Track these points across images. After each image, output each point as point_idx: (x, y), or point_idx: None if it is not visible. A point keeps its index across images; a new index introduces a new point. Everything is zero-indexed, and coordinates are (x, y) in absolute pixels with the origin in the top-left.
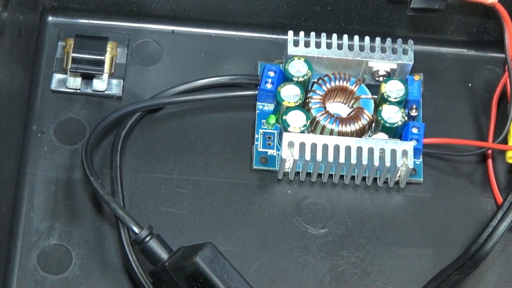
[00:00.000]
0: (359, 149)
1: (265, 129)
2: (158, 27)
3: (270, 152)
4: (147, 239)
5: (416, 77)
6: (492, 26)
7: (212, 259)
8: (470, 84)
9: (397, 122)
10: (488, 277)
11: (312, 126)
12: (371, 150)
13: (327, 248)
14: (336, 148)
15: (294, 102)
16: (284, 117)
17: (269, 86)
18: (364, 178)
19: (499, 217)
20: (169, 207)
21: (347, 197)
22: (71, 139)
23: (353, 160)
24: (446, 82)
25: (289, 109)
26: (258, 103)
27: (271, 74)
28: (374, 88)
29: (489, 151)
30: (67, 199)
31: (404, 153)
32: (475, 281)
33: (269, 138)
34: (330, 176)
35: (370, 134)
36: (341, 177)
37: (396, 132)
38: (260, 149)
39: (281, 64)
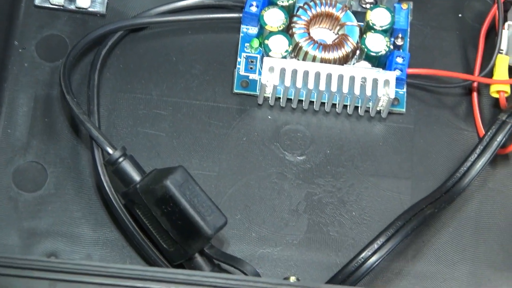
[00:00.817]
0: (340, 77)
1: (248, 52)
2: None
3: (252, 76)
4: (120, 160)
5: (404, 6)
6: None
7: (182, 183)
8: (460, 15)
9: (381, 51)
10: (465, 212)
11: (295, 51)
12: (352, 78)
13: (304, 176)
14: (317, 75)
15: (277, 27)
16: (266, 41)
17: (253, 9)
18: (346, 106)
19: (478, 152)
20: (147, 128)
21: (328, 125)
22: (52, 56)
23: (334, 88)
24: (436, 12)
25: (271, 33)
26: (242, 26)
27: None
28: (361, 15)
29: (475, 84)
30: (46, 116)
31: (386, 82)
32: (450, 215)
33: (252, 62)
34: (311, 102)
35: (354, 62)
36: (323, 104)
37: (380, 61)
38: (242, 73)
39: None
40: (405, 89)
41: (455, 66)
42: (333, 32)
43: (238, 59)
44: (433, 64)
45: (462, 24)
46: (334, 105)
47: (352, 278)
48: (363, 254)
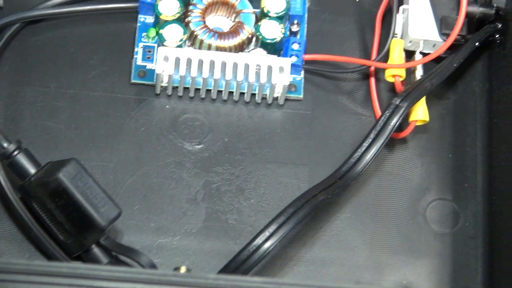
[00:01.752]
0: (235, 65)
1: (146, 42)
2: None
3: (150, 66)
4: (15, 153)
5: None
6: None
7: (75, 175)
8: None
9: (276, 38)
10: (363, 197)
11: (191, 40)
12: (247, 66)
13: (202, 165)
14: (212, 63)
15: (172, 16)
16: (161, 31)
17: None
18: (244, 94)
19: (372, 136)
20: (45, 120)
21: (225, 113)
22: None
23: (229, 76)
24: None
25: (166, 22)
26: (139, 16)
27: None
28: (257, 2)
29: (371, 69)
30: None
31: (281, 69)
32: (348, 200)
33: (149, 51)
34: (209, 91)
35: (250, 50)
36: (220, 92)
37: (276, 48)
38: (139, 63)
39: None
40: (302, 75)
41: (353, 51)
42: (230, 20)
43: (135, 49)
44: (331, 49)
45: (360, 8)
46: (232, 93)
47: (244, 265)
48: (255, 242)
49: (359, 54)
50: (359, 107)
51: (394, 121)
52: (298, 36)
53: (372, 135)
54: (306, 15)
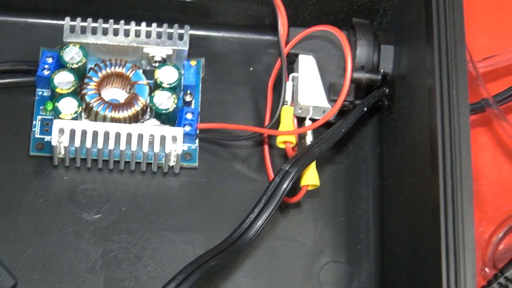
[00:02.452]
0: (129, 135)
1: (43, 115)
2: None
3: (48, 138)
4: None
5: (193, 63)
6: (270, 9)
7: None
8: (251, 68)
9: (168, 108)
10: (258, 261)
11: (87, 112)
12: (140, 136)
13: (100, 234)
14: (106, 134)
15: (67, 89)
16: (56, 104)
17: (46, 72)
18: (140, 164)
19: (263, 202)
20: None
21: (123, 182)
22: None
23: (123, 146)
24: (228, 66)
25: (61, 95)
26: (37, 89)
27: (49, 60)
28: (151, 73)
29: (265, 136)
30: None
31: (174, 138)
32: (243, 265)
33: (47, 124)
34: (106, 161)
35: (144, 120)
36: (117, 162)
37: (170, 118)
38: (38, 135)
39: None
40: (197, 144)
41: (247, 119)
42: (125, 91)
43: (34, 122)
44: (227, 118)
45: (253, 77)
46: (128, 162)
47: None
48: None
49: (253, 121)
50: (254, 173)
51: (285, 186)
52: (192, 106)
53: (263, 201)
54: (200, 85)
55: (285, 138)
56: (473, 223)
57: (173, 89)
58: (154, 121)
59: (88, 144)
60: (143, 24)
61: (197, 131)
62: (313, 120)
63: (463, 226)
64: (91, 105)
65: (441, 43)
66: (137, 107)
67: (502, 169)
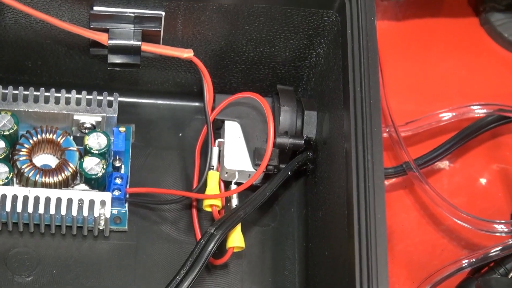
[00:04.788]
0: (59, 200)
1: None
2: None
3: None
4: None
5: (122, 129)
6: (197, 77)
7: None
8: (180, 134)
9: (97, 173)
10: None
11: (19, 178)
12: (70, 201)
13: None
14: (37, 199)
15: None
16: None
17: None
18: (71, 227)
19: (189, 264)
20: None
21: (54, 246)
22: None
23: (52, 211)
24: (158, 132)
25: None
26: None
27: None
28: (81, 139)
29: (192, 199)
30: None
31: (102, 202)
32: None
33: None
34: (38, 225)
35: (74, 185)
36: (49, 226)
37: (100, 183)
38: None
39: None
40: (126, 208)
41: (176, 183)
42: (56, 157)
43: None
44: (155, 182)
45: (182, 142)
46: (60, 226)
47: None
48: None
49: (181, 185)
50: (182, 236)
51: (210, 248)
52: (122, 171)
53: (189, 263)
54: (130, 151)
55: (212, 201)
56: (387, 284)
57: (102, 155)
58: (84, 186)
59: (19, 208)
60: (73, 91)
61: (127, 195)
62: (238, 183)
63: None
64: (22, 170)
65: (356, 109)
66: (67, 173)
67: (426, 230)
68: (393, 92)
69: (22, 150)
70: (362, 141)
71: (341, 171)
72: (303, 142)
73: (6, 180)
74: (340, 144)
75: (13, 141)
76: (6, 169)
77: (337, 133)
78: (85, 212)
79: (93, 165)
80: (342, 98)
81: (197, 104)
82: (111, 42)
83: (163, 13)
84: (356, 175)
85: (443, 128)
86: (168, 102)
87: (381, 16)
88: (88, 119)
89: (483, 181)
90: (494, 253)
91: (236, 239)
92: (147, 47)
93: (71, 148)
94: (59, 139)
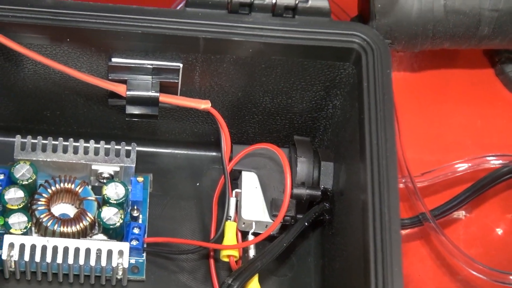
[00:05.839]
0: (77, 250)
1: None
2: None
3: None
4: None
5: (140, 179)
6: (214, 127)
7: None
8: (198, 184)
9: (115, 223)
10: None
11: (37, 227)
12: (88, 250)
13: None
14: (55, 248)
15: (17, 205)
16: (7, 219)
17: None
18: (89, 276)
19: None
20: None
21: None
22: None
23: (71, 260)
24: (175, 182)
25: (12, 211)
26: None
27: (0, 176)
28: (99, 189)
29: (210, 249)
30: None
31: (120, 252)
32: None
33: None
34: (56, 274)
35: (93, 235)
36: (67, 275)
37: (117, 232)
38: None
39: None
40: (144, 257)
41: (193, 233)
42: (74, 207)
43: None
44: (173, 231)
45: (199, 192)
46: (78, 275)
47: None
48: None
49: (198, 235)
50: (200, 286)
51: None
52: (140, 221)
53: None
54: (148, 200)
55: (229, 252)
56: None
57: (120, 205)
58: (102, 236)
59: (38, 258)
60: (92, 141)
61: (144, 245)
62: (256, 234)
63: None
64: (40, 220)
65: (373, 161)
66: (85, 222)
67: (442, 281)
68: (409, 141)
69: (41, 199)
70: (378, 193)
71: (357, 222)
72: (320, 193)
73: (25, 230)
74: (356, 195)
75: (31, 190)
76: (25, 218)
77: (354, 184)
78: (103, 262)
79: (111, 215)
80: (359, 150)
81: (214, 153)
82: (129, 93)
83: (181, 65)
84: (373, 228)
85: (458, 179)
86: (185, 152)
87: (396, 66)
88: (106, 169)
89: (499, 231)
90: None
91: None
92: (165, 98)
93: (89, 197)
94: (77, 189)
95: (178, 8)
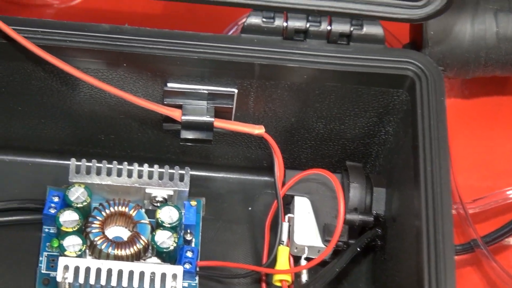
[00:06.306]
0: (131, 273)
1: (50, 251)
2: None
3: (53, 274)
4: None
5: (193, 203)
6: (267, 152)
7: None
8: (250, 208)
9: (169, 247)
10: None
11: (91, 249)
12: (142, 274)
13: None
14: (109, 271)
15: (72, 228)
16: (61, 241)
17: (52, 210)
18: None
19: None
20: None
21: None
22: None
23: (125, 283)
24: (227, 206)
25: (66, 233)
26: (44, 227)
27: (55, 199)
28: (153, 213)
29: (262, 274)
30: None
31: (174, 276)
32: None
33: (53, 260)
34: None
35: (146, 258)
36: None
37: (171, 256)
38: (44, 271)
39: None
40: (197, 281)
41: (246, 257)
42: (128, 230)
43: (40, 258)
44: (225, 255)
45: (251, 216)
46: None
47: None
48: None
49: (251, 259)
50: None
51: None
52: (193, 244)
53: None
54: (200, 224)
55: (282, 276)
56: None
57: (173, 228)
58: (155, 259)
59: (92, 280)
60: (146, 165)
61: (197, 269)
62: (308, 259)
63: None
64: (95, 243)
65: (427, 188)
66: (139, 246)
67: None
68: (459, 168)
69: (95, 222)
70: (433, 220)
71: (411, 249)
72: (372, 219)
73: (80, 252)
74: (410, 221)
75: (86, 213)
76: (80, 241)
77: (407, 210)
78: (157, 285)
79: (165, 239)
80: (413, 176)
81: (266, 178)
82: (185, 118)
83: (236, 90)
84: (427, 255)
85: (510, 205)
86: (238, 176)
87: (447, 92)
88: (160, 193)
89: None
90: None
91: None
92: (219, 124)
93: (143, 221)
94: (131, 212)
95: (230, 33)
